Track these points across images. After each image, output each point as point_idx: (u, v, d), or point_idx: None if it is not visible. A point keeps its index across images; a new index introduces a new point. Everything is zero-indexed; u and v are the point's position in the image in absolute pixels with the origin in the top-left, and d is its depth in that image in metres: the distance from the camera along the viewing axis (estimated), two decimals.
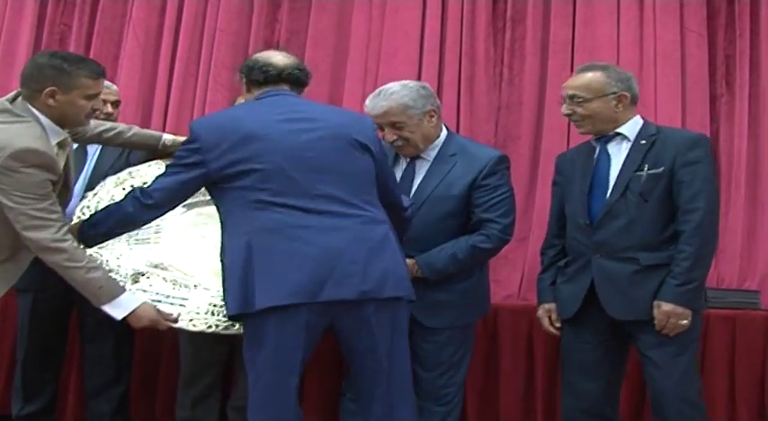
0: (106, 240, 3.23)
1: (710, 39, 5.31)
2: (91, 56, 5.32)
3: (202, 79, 5.30)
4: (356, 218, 2.97)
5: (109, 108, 4.06)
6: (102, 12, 5.43)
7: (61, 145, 3.09)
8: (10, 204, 2.91)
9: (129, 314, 3.06)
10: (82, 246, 3.07)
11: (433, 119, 3.61)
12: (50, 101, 3.00)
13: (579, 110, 3.47)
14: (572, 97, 3.49)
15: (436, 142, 3.65)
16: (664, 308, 3.27)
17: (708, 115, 5.23)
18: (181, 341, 4.00)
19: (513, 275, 5.08)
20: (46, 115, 3.02)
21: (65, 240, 2.96)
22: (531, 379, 4.37)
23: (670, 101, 5.16)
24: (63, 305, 3.96)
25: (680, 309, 3.26)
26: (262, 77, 3.15)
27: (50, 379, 4.05)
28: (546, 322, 3.68)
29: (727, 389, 4.29)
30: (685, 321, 3.28)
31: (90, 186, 3.79)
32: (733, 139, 5.20)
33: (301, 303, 2.84)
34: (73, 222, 3.26)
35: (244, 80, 3.22)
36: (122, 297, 3.07)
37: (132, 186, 3.44)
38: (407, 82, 3.69)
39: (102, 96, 3.95)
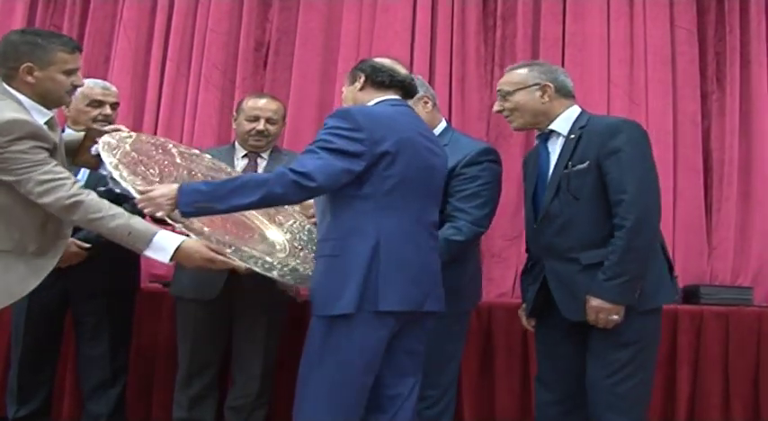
0: (215, 214, 3.08)
1: (701, 35, 5.35)
2: (82, 57, 5.29)
3: (194, 79, 5.29)
4: (436, 240, 3.19)
5: (107, 110, 4.01)
6: (92, 13, 5.41)
7: (49, 125, 3.05)
8: (16, 178, 2.88)
9: (175, 254, 2.95)
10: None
11: (428, 105, 3.67)
12: (29, 78, 2.96)
13: (506, 104, 3.48)
14: (499, 92, 3.53)
15: (433, 131, 3.67)
16: (591, 303, 3.21)
17: (699, 112, 5.25)
18: (179, 341, 3.99)
19: (507, 273, 5.09)
20: (26, 94, 2.98)
21: (80, 193, 2.91)
22: (527, 376, 4.36)
23: (661, 98, 5.19)
24: (58, 306, 3.94)
25: (608, 305, 3.18)
26: (388, 80, 3.20)
27: (45, 380, 4.01)
28: (524, 320, 3.70)
29: (721, 384, 4.32)
30: (615, 316, 3.19)
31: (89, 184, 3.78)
32: (724, 136, 5.23)
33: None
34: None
35: (362, 78, 3.22)
36: (158, 237, 2.95)
37: None
38: None
39: (100, 98, 3.98)
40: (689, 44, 5.28)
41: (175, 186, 2.94)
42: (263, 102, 4.08)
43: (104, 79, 5.03)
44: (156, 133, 5.02)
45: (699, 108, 5.25)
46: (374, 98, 3.19)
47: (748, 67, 5.28)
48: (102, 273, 3.86)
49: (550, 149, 3.48)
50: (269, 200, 2.95)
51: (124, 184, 3.01)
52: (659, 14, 5.26)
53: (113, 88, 4.17)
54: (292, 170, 2.89)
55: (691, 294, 4.70)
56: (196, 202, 2.89)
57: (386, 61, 3.29)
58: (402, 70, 3.26)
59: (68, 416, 4.32)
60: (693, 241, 5.10)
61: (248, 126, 4.01)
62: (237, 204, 2.92)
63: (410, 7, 5.30)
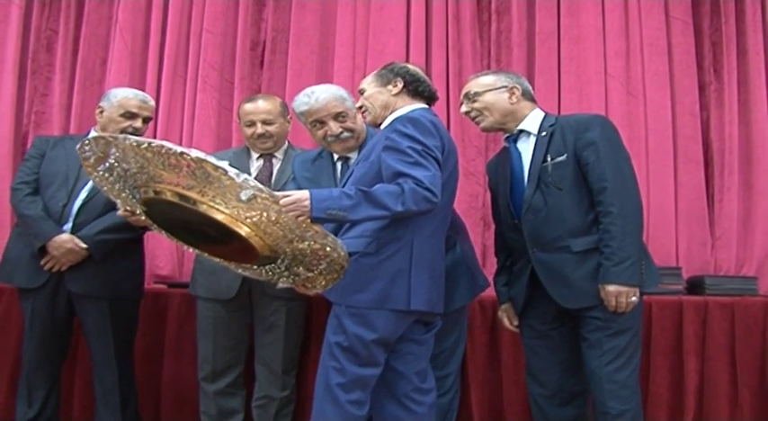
0: (344, 223, 3.07)
1: (696, 26, 5.36)
2: (79, 60, 5.34)
3: (191, 80, 5.29)
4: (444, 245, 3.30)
5: (139, 123, 3.92)
6: (88, 16, 5.41)
7: None
8: None
9: None
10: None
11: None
12: None
13: (475, 105, 3.58)
14: (466, 95, 3.62)
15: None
16: (609, 288, 3.27)
17: (697, 103, 5.25)
18: (199, 339, 3.95)
19: None
20: None
21: None
22: None
23: (659, 89, 5.19)
24: (63, 309, 3.84)
25: (624, 288, 3.26)
26: (428, 92, 3.34)
27: (51, 383, 3.90)
28: (506, 322, 3.74)
29: (728, 374, 4.28)
30: (634, 298, 3.29)
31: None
32: (724, 126, 5.23)
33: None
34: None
35: (399, 84, 3.29)
36: None
37: None
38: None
39: (135, 110, 3.92)
40: (684, 35, 5.29)
41: (306, 192, 2.84)
42: (254, 105, 4.01)
43: (102, 82, 5.07)
44: (154, 135, 5.00)
45: (697, 99, 5.26)
46: (408, 105, 3.27)
47: (745, 57, 5.28)
48: (105, 280, 3.81)
49: (521, 149, 3.58)
50: (403, 215, 2.94)
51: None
52: (654, 6, 5.27)
53: (151, 102, 4.07)
54: (419, 185, 2.90)
55: (695, 285, 4.68)
56: (329, 209, 2.81)
57: (419, 70, 3.39)
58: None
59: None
60: (696, 232, 5.09)
61: (248, 131, 4.00)
62: (370, 215, 2.90)
63: (404, 4, 5.32)
